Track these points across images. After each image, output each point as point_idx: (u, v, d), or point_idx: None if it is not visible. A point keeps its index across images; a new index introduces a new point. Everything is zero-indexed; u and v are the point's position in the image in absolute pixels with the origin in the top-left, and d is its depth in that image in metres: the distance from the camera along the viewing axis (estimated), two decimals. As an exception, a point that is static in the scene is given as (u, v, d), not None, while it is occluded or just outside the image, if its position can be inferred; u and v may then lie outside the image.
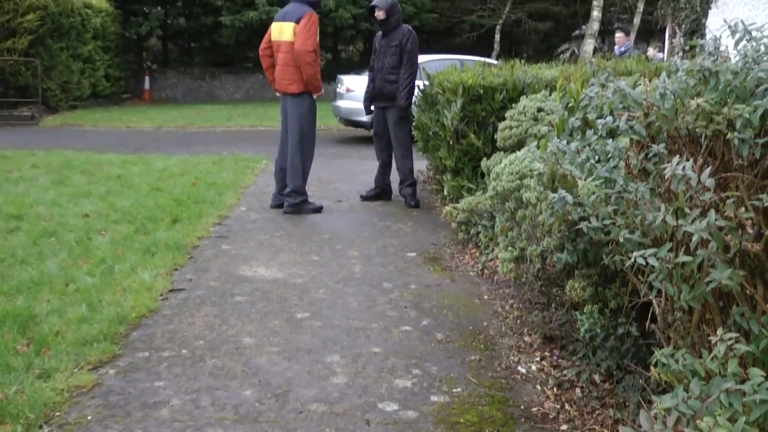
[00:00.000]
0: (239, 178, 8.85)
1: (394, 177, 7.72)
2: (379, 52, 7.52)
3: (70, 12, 18.28)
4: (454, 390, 3.38)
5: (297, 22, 6.71)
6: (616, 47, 13.10)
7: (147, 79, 24.76)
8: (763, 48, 2.23)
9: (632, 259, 2.22)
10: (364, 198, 7.78)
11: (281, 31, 6.89)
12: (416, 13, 24.87)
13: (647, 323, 2.65)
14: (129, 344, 3.84)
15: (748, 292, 2.15)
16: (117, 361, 3.62)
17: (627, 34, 13.46)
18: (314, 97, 7.11)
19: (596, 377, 3.39)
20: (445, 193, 6.75)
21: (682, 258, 2.08)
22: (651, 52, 13.04)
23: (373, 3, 7.47)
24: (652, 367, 2.23)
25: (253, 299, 4.57)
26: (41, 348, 3.66)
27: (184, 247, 5.65)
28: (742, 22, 2.33)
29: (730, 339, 1.94)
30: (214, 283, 4.88)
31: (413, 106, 7.63)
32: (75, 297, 4.43)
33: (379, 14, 7.33)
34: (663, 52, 13.27)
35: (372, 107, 7.70)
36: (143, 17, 24.11)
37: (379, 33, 7.60)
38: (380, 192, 7.82)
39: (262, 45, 7.15)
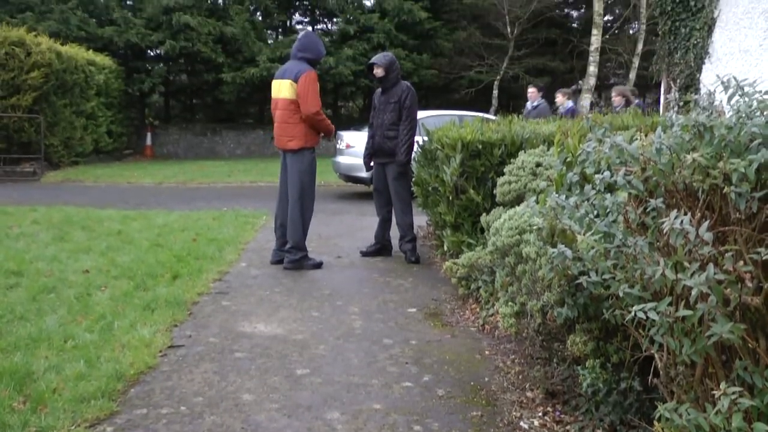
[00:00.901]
0: (239, 233, 8.87)
1: (394, 233, 7.73)
2: (378, 108, 7.60)
3: (74, 69, 18.54)
4: (456, 447, 3.33)
5: (295, 80, 6.80)
6: (528, 103, 12.51)
7: (149, 135, 25.03)
8: (755, 103, 2.26)
9: (632, 314, 2.22)
10: (365, 254, 7.77)
11: (279, 88, 6.99)
12: (415, 70, 25.22)
13: (650, 378, 2.64)
14: (127, 401, 3.80)
15: (750, 345, 2.14)
16: (115, 419, 3.58)
17: (539, 89, 12.63)
18: (329, 138, 7.30)
19: (599, 433, 3.35)
20: (445, 248, 6.75)
21: (683, 312, 2.08)
22: (559, 98, 12.40)
23: (371, 60, 7.58)
24: (655, 422, 2.21)
25: (252, 355, 4.54)
26: (38, 405, 3.62)
27: (184, 303, 5.63)
28: (735, 78, 2.37)
29: (733, 393, 1.93)
30: (214, 339, 4.86)
31: (413, 162, 7.67)
32: (73, 353, 4.40)
33: (378, 71, 7.42)
34: (576, 101, 12.81)
35: (372, 163, 7.75)
36: (146, 74, 24.46)
37: (379, 89, 7.68)
38: (380, 248, 7.81)
39: (272, 106, 7.27)
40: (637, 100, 12.15)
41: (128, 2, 25.51)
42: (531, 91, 12.45)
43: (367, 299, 5.98)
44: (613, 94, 11.75)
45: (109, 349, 4.50)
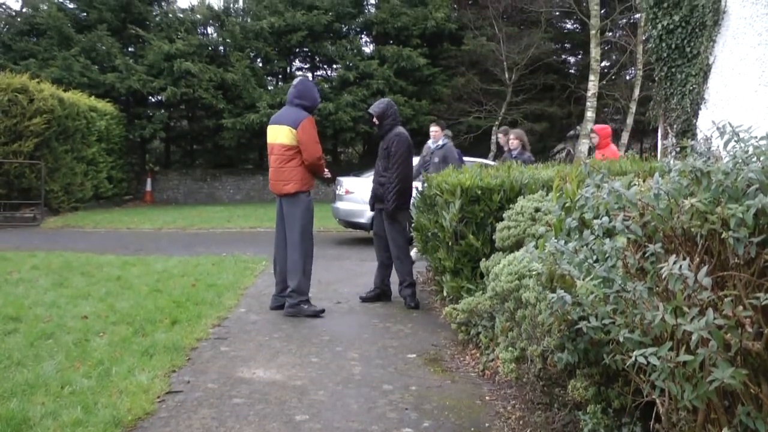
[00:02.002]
0: (239, 279, 8.86)
1: (394, 278, 7.73)
2: (378, 154, 7.70)
3: (75, 115, 18.68)
4: (457, 495, 3.29)
5: (295, 127, 6.86)
6: (430, 141, 11.02)
7: (149, 180, 25.15)
8: (751, 149, 2.29)
9: (633, 359, 2.21)
10: (364, 299, 7.75)
11: (276, 134, 7.04)
12: (414, 116, 25.41)
13: (652, 423, 2.62)
14: (124, 449, 3.76)
15: (752, 391, 2.13)
16: (112, 467, 3.54)
17: (443, 127, 11.07)
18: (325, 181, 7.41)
19: (602, 481, 3.31)
20: (445, 293, 6.74)
21: (683, 357, 2.08)
22: (439, 136, 10.85)
23: (369, 110, 7.71)
24: (657, 470, 2.19)
25: (251, 401, 4.51)
26: (35, 453, 3.59)
27: (183, 348, 5.60)
28: (730, 124, 2.40)
29: (735, 439, 1.91)
30: (212, 384, 4.82)
31: (412, 208, 7.71)
32: (70, 399, 4.37)
33: (375, 119, 7.53)
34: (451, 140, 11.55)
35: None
36: (147, 120, 24.71)
37: None
38: (380, 293, 7.80)
39: (268, 151, 7.32)
40: (527, 153, 11.09)
41: (130, 49, 25.86)
42: (434, 130, 11.03)
43: (366, 345, 5.96)
44: (511, 136, 11.05)
45: (106, 395, 4.47)
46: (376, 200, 7.71)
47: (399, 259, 7.56)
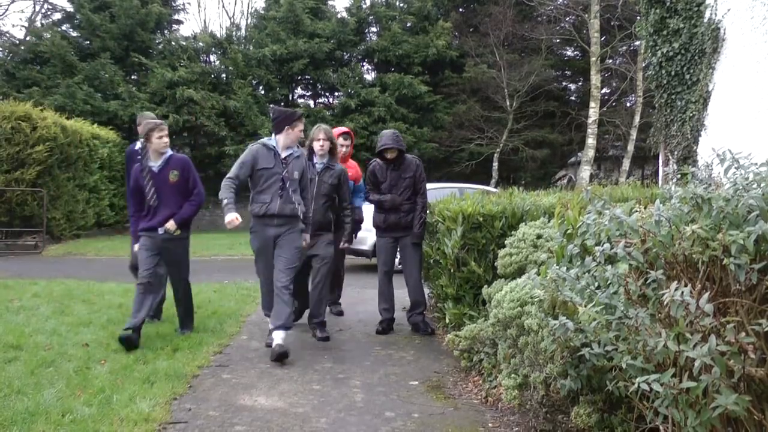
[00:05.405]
0: (241, 306, 8.84)
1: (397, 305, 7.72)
2: (392, 183, 7.61)
3: (78, 143, 18.72)
4: None
5: None
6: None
7: (151, 207, 25.12)
8: (751, 175, 2.30)
9: (636, 385, 2.21)
10: (381, 332, 7.61)
11: None
12: (416, 143, 25.51)
13: (655, 451, 2.60)
14: (125, 478, 3.74)
15: (755, 417, 2.13)
16: (112, 496, 3.51)
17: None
18: None
19: None
20: (447, 320, 6.73)
21: (686, 384, 2.07)
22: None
23: (392, 145, 7.49)
24: (662, 498, 2.18)
25: (253, 429, 4.48)
26: (35, 482, 3.56)
27: (184, 376, 5.58)
28: (730, 151, 2.41)
29: (739, 467, 1.90)
30: (214, 412, 4.80)
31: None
32: (71, 428, 4.35)
33: (396, 152, 7.45)
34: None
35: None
36: (149, 148, 24.76)
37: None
38: (391, 320, 7.69)
39: None
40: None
41: (133, 77, 26.05)
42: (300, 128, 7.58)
43: (368, 372, 5.93)
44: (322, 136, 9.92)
45: (107, 424, 4.45)
46: (394, 229, 7.49)
47: (421, 283, 7.47)
